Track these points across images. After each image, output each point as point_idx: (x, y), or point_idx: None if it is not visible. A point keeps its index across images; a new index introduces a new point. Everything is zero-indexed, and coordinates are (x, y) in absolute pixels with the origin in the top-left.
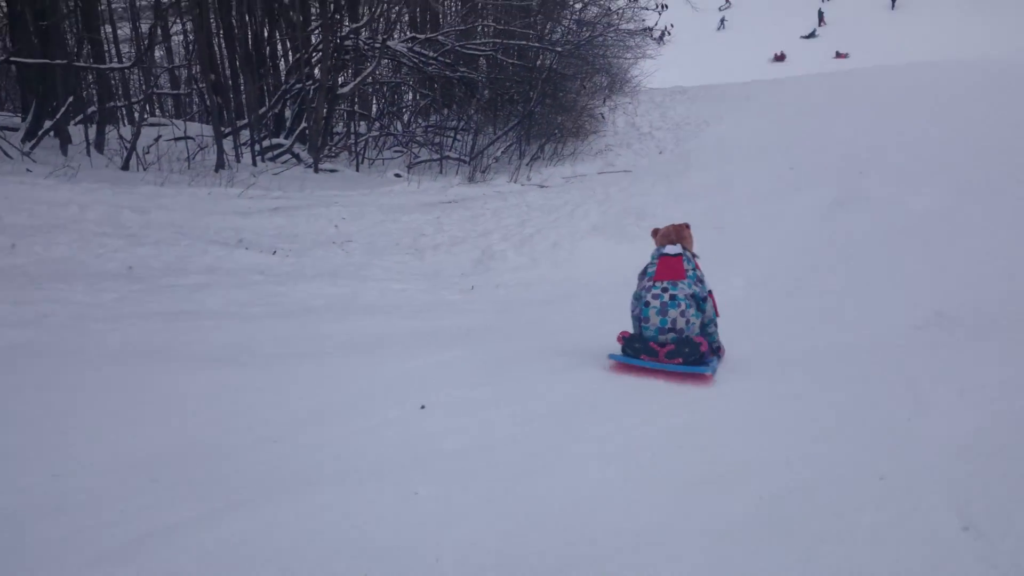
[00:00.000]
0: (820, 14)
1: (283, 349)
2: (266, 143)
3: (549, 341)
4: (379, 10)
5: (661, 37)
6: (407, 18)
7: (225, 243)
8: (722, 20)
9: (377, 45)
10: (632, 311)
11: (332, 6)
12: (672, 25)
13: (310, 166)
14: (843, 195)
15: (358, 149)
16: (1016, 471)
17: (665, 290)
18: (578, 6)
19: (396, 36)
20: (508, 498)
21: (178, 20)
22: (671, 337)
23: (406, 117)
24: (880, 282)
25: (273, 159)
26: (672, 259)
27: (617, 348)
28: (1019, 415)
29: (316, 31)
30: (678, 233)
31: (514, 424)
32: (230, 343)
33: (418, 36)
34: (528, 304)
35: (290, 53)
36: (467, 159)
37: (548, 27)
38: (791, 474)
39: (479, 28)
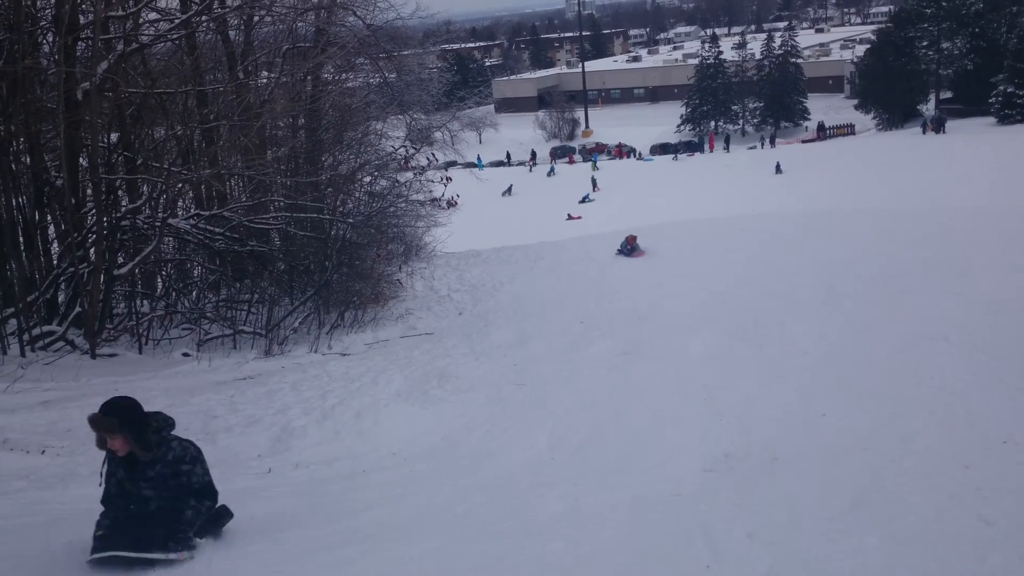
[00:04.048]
0: (593, 181)
1: (45, 570)
2: (36, 331)
3: (350, 523)
4: (159, 189)
5: (449, 206)
6: (192, 195)
7: None
8: (509, 187)
9: (157, 224)
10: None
11: (105, 187)
12: (458, 195)
13: (86, 352)
14: (629, 345)
15: (141, 330)
16: None
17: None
18: (367, 179)
19: (180, 213)
20: None
21: None
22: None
23: (194, 293)
24: (668, 428)
25: (44, 348)
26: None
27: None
28: (804, 554)
29: (91, 212)
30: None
31: None
32: None
33: (202, 213)
34: (331, 482)
35: (61, 236)
36: (263, 332)
37: (340, 199)
38: None
39: (269, 203)
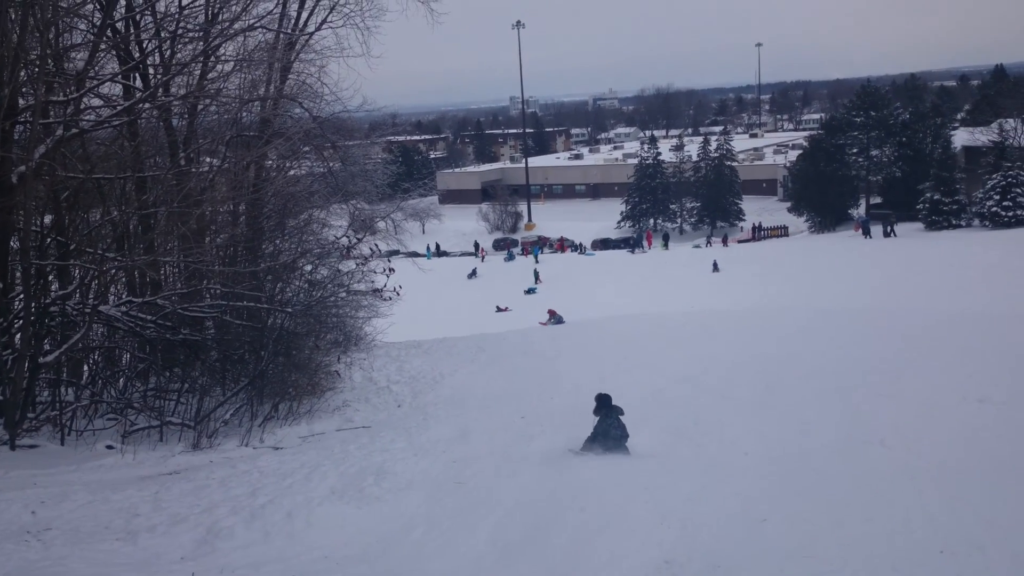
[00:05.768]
0: (536, 273)
1: None
2: None
3: None
4: (91, 275)
5: (391, 297)
6: (124, 281)
7: None
8: (474, 270)
9: (87, 310)
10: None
11: (35, 271)
12: (400, 286)
13: (5, 443)
14: (571, 441)
15: (64, 420)
16: None
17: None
18: (308, 268)
19: (111, 300)
20: None
21: None
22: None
23: (121, 381)
24: (611, 530)
25: None
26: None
27: None
28: None
29: (19, 297)
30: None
31: None
32: None
33: (134, 300)
34: None
35: None
36: (192, 424)
37: (278, 288)
38: None
39: (205, 291)
